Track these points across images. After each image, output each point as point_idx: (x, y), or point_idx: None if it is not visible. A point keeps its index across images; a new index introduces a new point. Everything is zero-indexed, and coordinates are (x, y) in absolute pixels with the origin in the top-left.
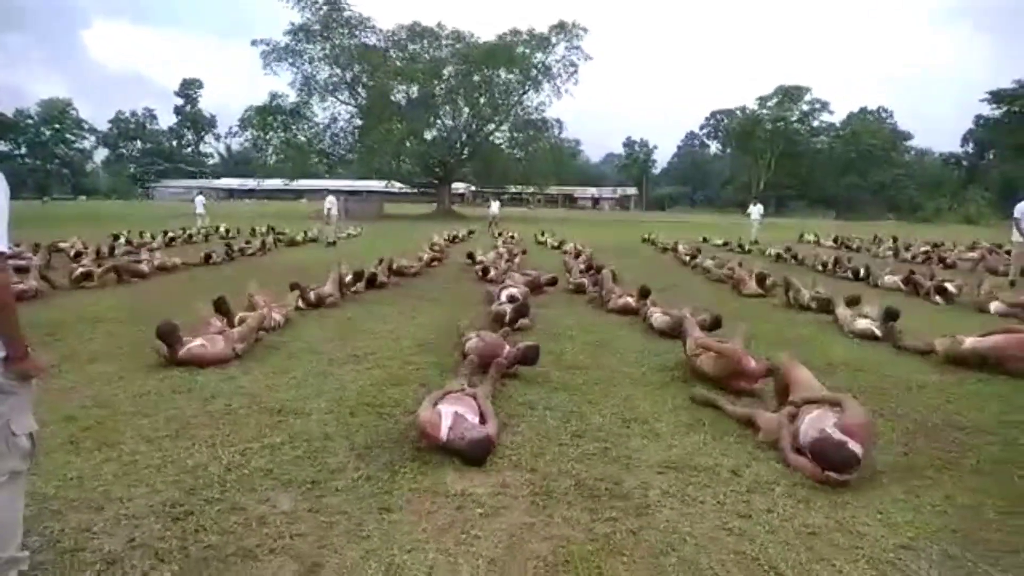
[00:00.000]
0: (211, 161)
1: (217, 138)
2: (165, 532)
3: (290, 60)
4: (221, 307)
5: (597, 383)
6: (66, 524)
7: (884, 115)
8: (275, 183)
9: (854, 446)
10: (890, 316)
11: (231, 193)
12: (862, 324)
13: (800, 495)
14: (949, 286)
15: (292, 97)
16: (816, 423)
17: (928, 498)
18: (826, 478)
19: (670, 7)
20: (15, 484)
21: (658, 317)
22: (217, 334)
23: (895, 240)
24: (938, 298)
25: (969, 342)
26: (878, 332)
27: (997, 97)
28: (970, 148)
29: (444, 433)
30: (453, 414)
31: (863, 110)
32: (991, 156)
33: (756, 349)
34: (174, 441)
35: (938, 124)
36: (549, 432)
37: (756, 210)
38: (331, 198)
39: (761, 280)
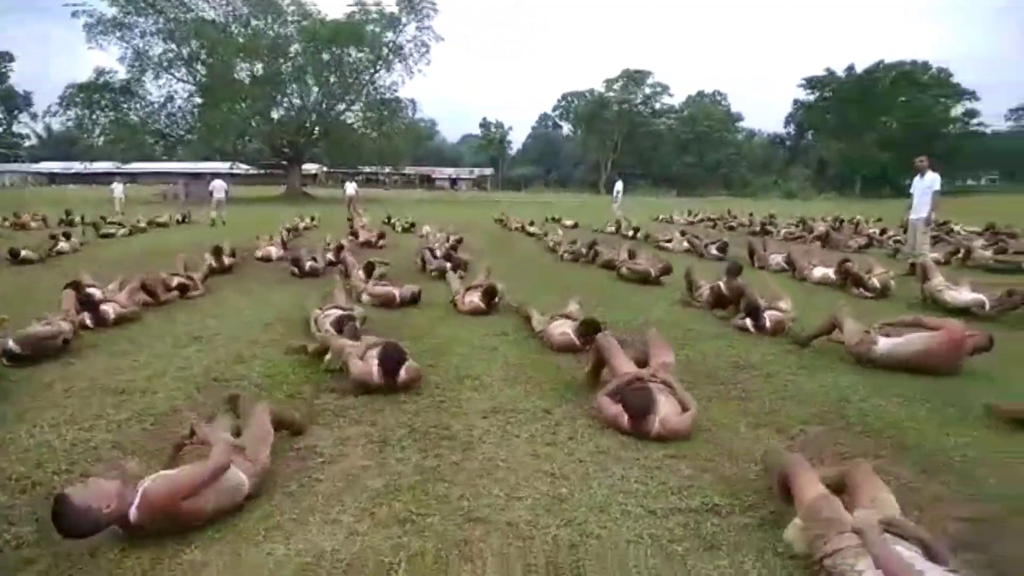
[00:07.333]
0: (27, 143)
1: (34, 117)
2: (14, 501)
3: (118, 33)
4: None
5: (436, 348)
6: None
7: (719, 98)
8: (105, 166)
9: None
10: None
11: (52, 178)
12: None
13: (598, 425)
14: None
15: (122, 73)
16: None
17: (698, 421)
18: None
19: None
20: None
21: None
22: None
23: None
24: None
25: (883, 345)
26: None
27: (811, 83)
28: (792, 130)
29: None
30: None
31: (700, 93)
32: (809, 136)
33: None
34: (15, 425)
35: (765, 106)
36: (388, 393)
37: (619, 186)
38: (218, 182)
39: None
